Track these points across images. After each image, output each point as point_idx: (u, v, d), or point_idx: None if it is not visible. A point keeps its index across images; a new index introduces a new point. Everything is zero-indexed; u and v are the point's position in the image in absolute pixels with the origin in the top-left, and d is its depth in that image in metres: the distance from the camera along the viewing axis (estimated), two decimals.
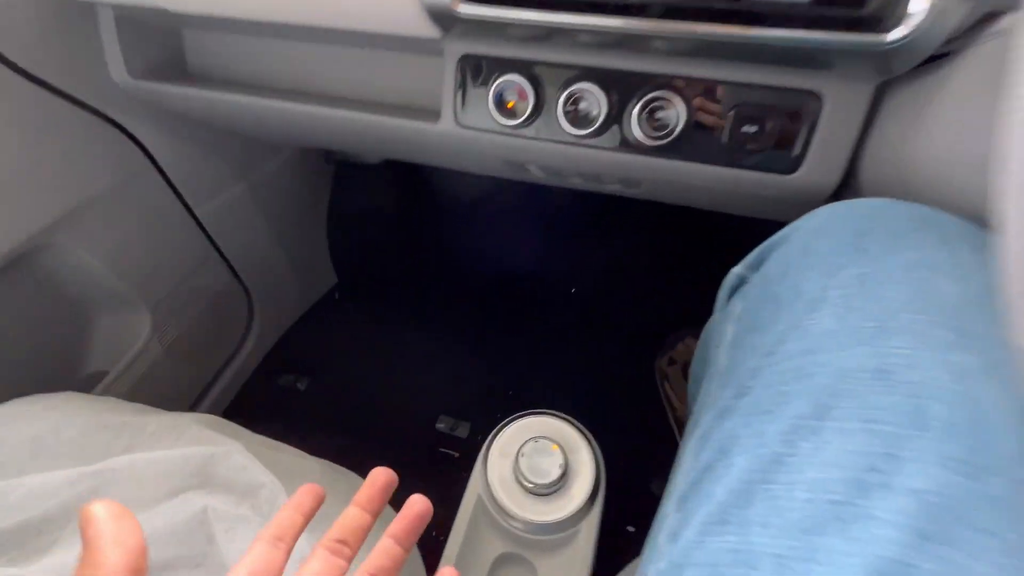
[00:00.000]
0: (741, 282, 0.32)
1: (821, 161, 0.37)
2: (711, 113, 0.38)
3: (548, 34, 0.38)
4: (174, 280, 0.73)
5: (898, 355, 0.19)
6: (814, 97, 0.35)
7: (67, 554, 0.32)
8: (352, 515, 0.27)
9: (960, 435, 0.17)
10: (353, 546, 0.26)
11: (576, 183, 0.56)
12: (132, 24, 0.55)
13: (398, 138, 0.54)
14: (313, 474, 0.42)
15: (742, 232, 0.34)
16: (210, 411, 0.83)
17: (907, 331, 0.20)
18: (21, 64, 0.50)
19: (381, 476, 0.29)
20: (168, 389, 0.75)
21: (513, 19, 0.35)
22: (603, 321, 0.97)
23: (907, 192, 0.32)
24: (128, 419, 0.41)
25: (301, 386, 0.93)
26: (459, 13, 0.36)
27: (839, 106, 0.35)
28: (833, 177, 0.37)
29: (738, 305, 0.30)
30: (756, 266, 0.31)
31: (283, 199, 0.90)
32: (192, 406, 0.82)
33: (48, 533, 0.33)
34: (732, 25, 0.32)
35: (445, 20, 0.37)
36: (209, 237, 0.77)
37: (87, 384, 0.66)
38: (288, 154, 0.87)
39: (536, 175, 0.56)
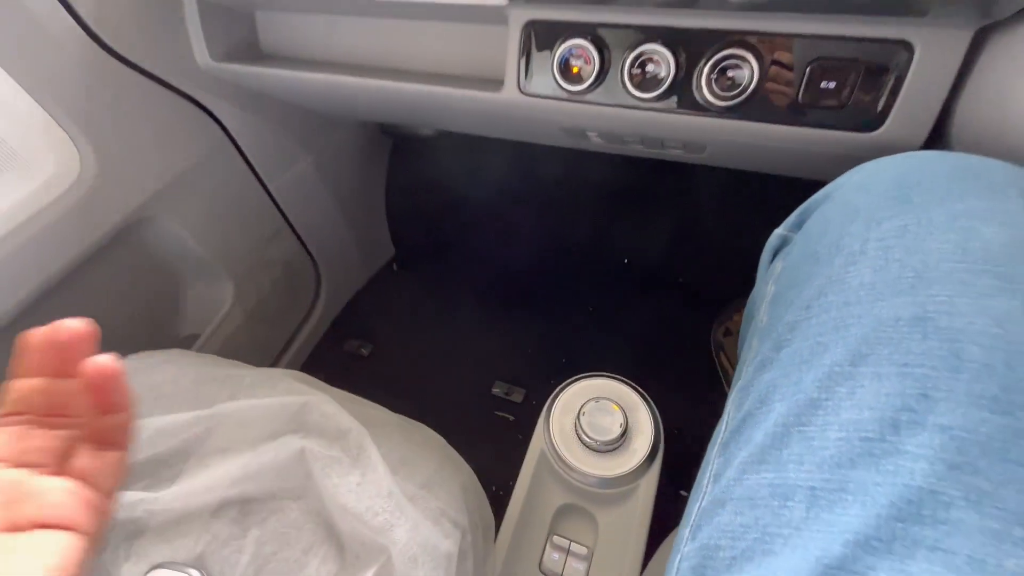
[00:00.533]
0: (784, 243, 0.32)
1: (908, 116, 0.35)
2: (787, 68, 0.37)
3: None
4: (252, 250, 0.79)
5: (936, 303, 0.19)
6: (904, 47, 0.33)
7: (191, 482, 0.37)
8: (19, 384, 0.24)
9: (994, 375, 0.17)
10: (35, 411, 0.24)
11: (637, 150, 0.55)
12: (212, 10, 0.58)
13: (459, 109, 0.55)
14: (389, 424, 0.46)
15: (805, 198, 0.33)
16: None
17: (947, 279, 0.20)
18: (120, 51, 0.55)
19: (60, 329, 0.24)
20: (249, 351, 0.82)
21: None
22: (659, 290, 0.96)
23: (1007, 148, 0.30)
24: (229, 372, 0.46)
25: (365, 351, 0.98)
26: None
27: (931, 56, 0.33)
28: (921, 133, 0.36)
29: (779, 265, 0.30)
30: (798, 226, 0.30)
31: (345, 172, 0.93)
32: (270, 366, 0.89)
33: (174, 466, 0.38)
34: None
35: None
36: (280, 210, 0.82)
37: (183, 345, 0.73)
38: (349, 128, 0.90)
39: (596, 142, 0.56)
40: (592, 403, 0.50)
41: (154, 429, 0.38)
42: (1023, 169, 0.23)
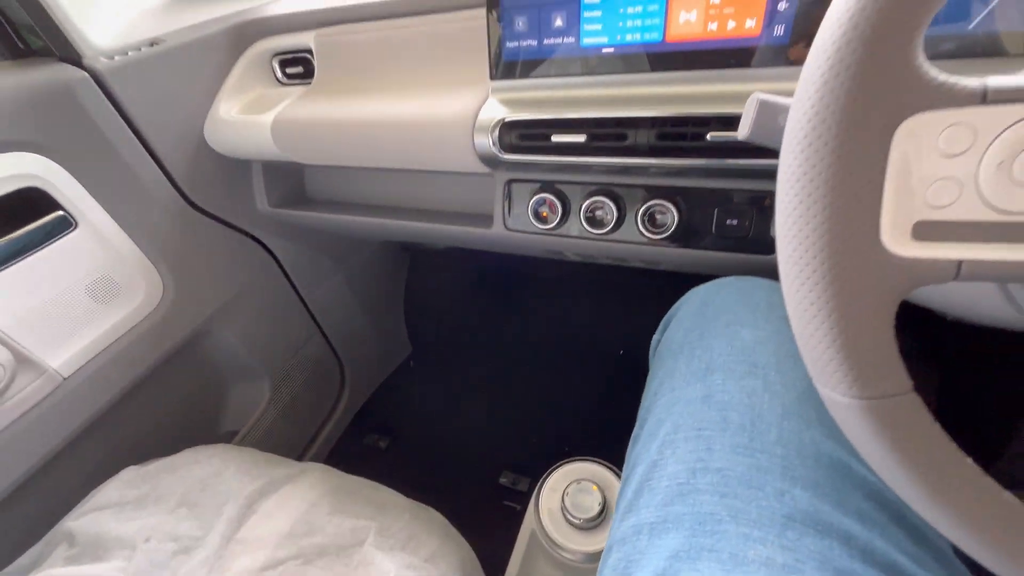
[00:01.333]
0: (656, 344, 0.44)
1: None
2: (699, 212, 0.49)
3: (566, 167, 0.51)
4: (288, 354, 0.91)
5: (716, 385, 0.31)
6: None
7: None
8: None
9: (745, 431, 0.28)
10: None
11: (606, 263, 0.67)
12: (273, 168, 0.76)
13: (461, 239, 0.68)
14: (399, 506, 0.53)
15: None
16: None
17: (721, 368, 0.31)
18: (200, 204, 0.71)
19: None
20: (281, 445, 0.91)
21: (539, 161, 0.49)
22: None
23: None
24: (263, 469, 0.55)
25: (383, 444, 1.06)
26: (503, 159, 0.50)
27: None
28: None
29: (653, 362, 0.43)
30: (663, 331, 0.44)
31: (371, 283, 1.08)
32: (298, 459, 0.97)
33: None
34: (698, 158, 0.43)
35: (494, 162, 0.52)
36: (314, 318, 0.95)
37: (225, 439, 0.83)
38: (375, 247, 1.06)
39: (573, 258, 0.68)
40: (574, 484, 0.57)
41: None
42: (778, 284, 0.34)
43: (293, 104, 0.63)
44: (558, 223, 0.54)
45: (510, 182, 0.57)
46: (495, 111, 0.50)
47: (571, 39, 0.46)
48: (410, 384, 1.18)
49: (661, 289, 1.11)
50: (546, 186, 0.55)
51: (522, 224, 0.57)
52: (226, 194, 0.75)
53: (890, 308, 0.19)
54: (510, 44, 0.48)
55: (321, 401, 1.03)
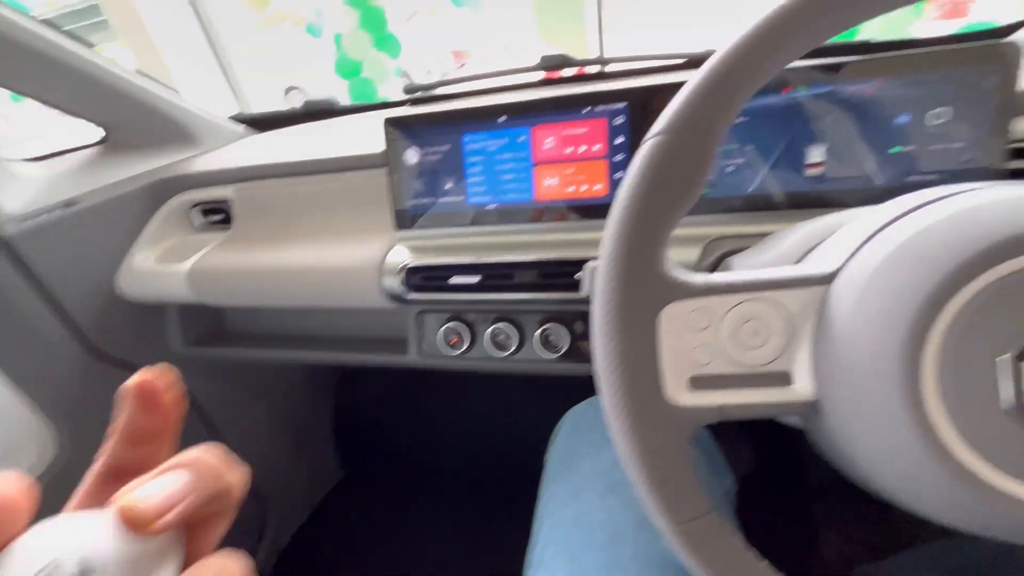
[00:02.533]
0: (547, 461, 0.51)
1: None
2: (588, 333, 0.56)
3: (467, 303, 0.57)
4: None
5: (584, 506, 0.36)
6: None
7: None
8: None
9: (605, 549, 0.33)
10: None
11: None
12: (189, 308, 0.77)
13: (381, 364, 0.71)
14: None
15: None
16: None
17: (588, 489, 0.37)
18: (106, 350, 0.70)
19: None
20: None
21: (441, 298, 0.55)
22: None
23: None
24: None
25: None
26: (409, 298, 0.56)
27: None
28: None
29: (542, 481, 0.49)
30: (549, 448, 0.51)
31: (297, 408, 1.05)
32: None
33: None
34: (573, 291, 0.51)
35: (402, 301, 0.57)
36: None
37: None
38: (299, 370, 1.06)
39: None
40: None
41: None
42: None
43: (211, 252, 0.66)
44: (467, 349, 0.59)
45: (421, 312, 0.62)
46: (400, 256, 0.56)
47: (460, 198, 0.54)
48: (342, 512, 1.12)
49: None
50: (455, 315, 0.60)
51: (434, 350, 0.62)
52: (137, 339, 0.74)
53: (682, 445, 0.25)
54: (410, 201, 0.56)
55: (238, 547, 0.95)
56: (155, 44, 3.22)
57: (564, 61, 0.75)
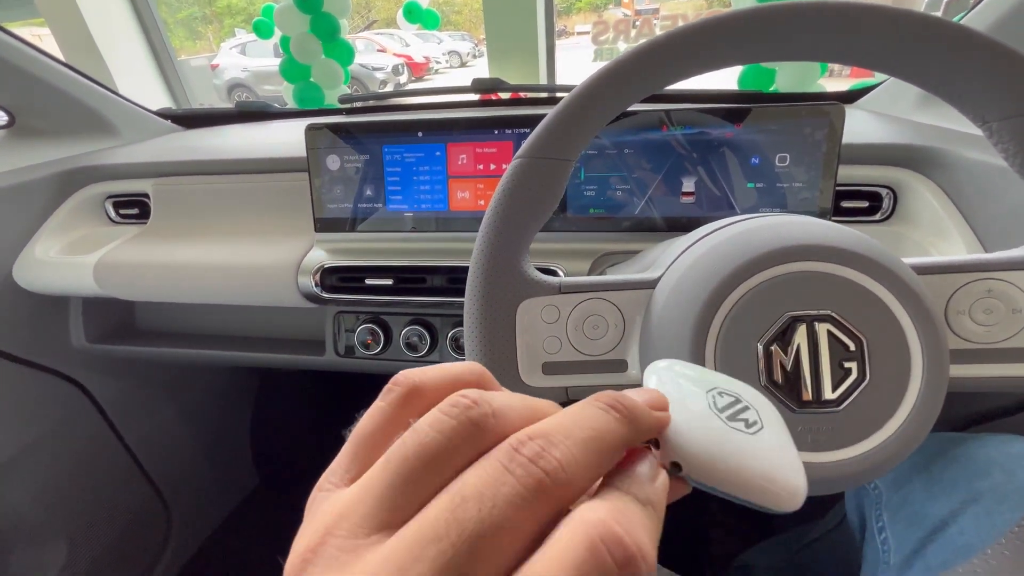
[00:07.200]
0: None
1: None
2: None
3: (382, 304, 0.60)
4: (95, 507, 0.80)
5: None
6: None
7: None
8: None
9: None
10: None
11: None
12: (95, 303, 0.74)
13: (298, 365, 0.72)
14: None
15: None
16: None
17: None
18: (1, 348, 0.66)
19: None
20: None
21: (356, 299, 0.57)
22: None
23: None
24: None
25: None
26: (324, 298, 0.58)
27: None
28: None
29: None
30: None
31: (210, 411, 1.02)
32: None
33: None
34: None
35: (317, 300, 0.59)
36: (136, 460, 0.86)
37: None
38: (215, 372, 1.02)
39: None
40: None
41: None
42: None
43: (122, 245, 0.65)
44: (381, 349, 0.61)
45: (339, 313, 0.64)
46: (318, 257, 0.58)
47: (379, 205, 0.57)
48: (257, 520, 1.08)
49: None
50: (371, 317, 0.62)
51: (351, 351, 0.64)
52: (34, 333, 0.70)
53: None
54: (330, 206, 0.58)
55: (136, 557, 0.90)
56: (89, 30, 3.01)
57: (496, 85, 0.80)
